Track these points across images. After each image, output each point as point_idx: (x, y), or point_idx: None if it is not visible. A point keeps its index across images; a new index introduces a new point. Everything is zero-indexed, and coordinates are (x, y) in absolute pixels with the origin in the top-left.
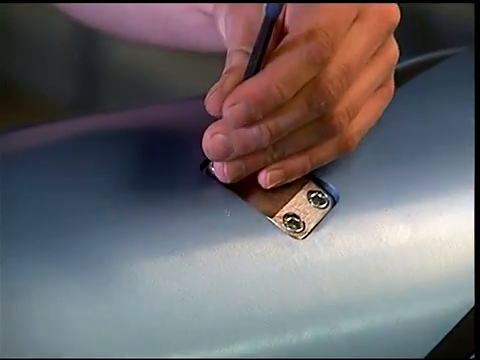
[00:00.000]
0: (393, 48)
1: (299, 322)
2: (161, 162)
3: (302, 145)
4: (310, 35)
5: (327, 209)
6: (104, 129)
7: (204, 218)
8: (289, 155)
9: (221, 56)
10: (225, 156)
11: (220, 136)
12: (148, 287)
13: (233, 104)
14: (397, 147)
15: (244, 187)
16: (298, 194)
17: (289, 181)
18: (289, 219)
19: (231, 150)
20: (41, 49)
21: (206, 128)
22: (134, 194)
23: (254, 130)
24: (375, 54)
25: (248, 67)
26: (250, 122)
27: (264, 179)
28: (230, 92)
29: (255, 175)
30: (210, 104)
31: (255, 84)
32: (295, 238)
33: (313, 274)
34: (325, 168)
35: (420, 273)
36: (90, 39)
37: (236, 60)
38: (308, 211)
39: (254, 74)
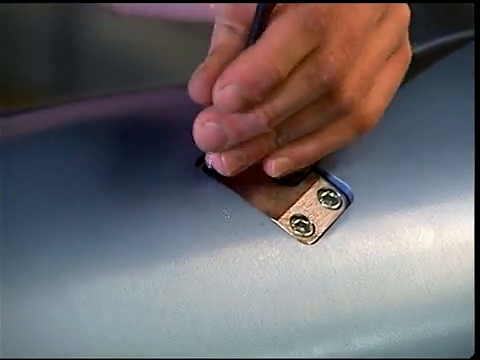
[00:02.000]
0: (403, 8)
1: (308, 337)
2: (152, 157)
3: (309, 127)
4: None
5: (340, 210)
6: (88, 120)
7: (200, 220)
8: (296, 139)
9: None
10: (219, 146)
11: (211, 124)
12: (138, 298)
13: (223, 86)
14: (418, 141)
15: (246, 185)
16: (307, 193)
17: (299, 168)
18: (297, 221)
19: (225, 139)
20: (21, 33)
21: None
22: (121, 193)
23: (249, 115)
24: (382, 17)
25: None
26: (245, 106)
27: (270, 167)
28: (216, 74)
29: (258, 171)
30: (194, 90)
31: (245, 62)
32: (304, 243)
33: (324, 283)
34: (338, 164)
35: (445, 282)
36: (72, 20)
37: (220, 38)
38: (318, 212)
39: None
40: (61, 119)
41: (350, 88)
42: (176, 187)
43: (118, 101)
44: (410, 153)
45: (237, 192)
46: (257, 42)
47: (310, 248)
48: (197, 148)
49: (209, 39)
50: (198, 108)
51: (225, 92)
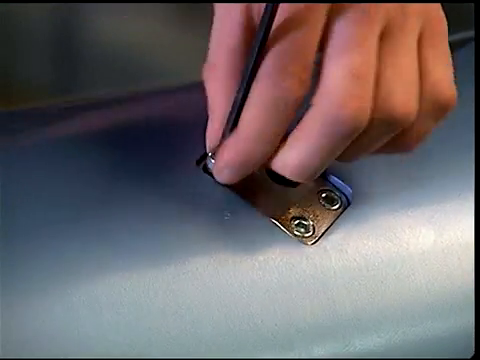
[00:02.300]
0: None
1: (308, 338)
2: (152, 157)
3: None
4: (271, 68)
5: (340, 210)
6: (88, 122)
7: (200, 221)
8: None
9: None
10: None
11: (226, 171)
12: (138, 299)
13: (220, 171)
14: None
15: (245, 186)
16: (307, 194)
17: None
18: (297, 222)
19: (243, 174)
20: (21, 33)
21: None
22: (121, 194)
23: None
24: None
25: (242, 79)
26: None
27: None
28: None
29: (257, 172)
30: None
31: (229, 150)
32: (304, 243)
33: (324, 284)
34: (337, 164)
35: (445, 283)
36: (72, 20)
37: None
38: (318, 213)
39: (248, 83)
40: (60, 121)
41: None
42: (175, 187)
43: (117, 103)
44: (411, 154)
45: (237, 192)
46: (237, 129)
47: (310, 249)
48: (197, 148)
49: (209, 39)
50: (198, 108)
51: (225, 175)
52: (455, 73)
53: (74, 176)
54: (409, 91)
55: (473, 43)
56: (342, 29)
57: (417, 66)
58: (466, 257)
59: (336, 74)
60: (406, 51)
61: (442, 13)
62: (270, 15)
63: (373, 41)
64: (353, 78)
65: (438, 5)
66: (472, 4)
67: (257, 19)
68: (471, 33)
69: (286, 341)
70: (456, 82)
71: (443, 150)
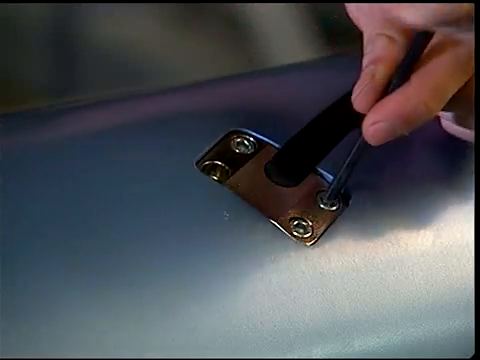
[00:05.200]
0: None
1: (308, 340)
2: (151, 157)
3: None
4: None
5: (339, 211)
6: (88, 122)
7: (199, 221)
8: None
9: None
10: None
11: (381, 125)
12: (136, 300)
13: (375, 123)
14: (417, 142)
15: (245, 186)
16: (306, 194)
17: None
18: (296, 223)
19: (395, 133)
20: (21, 33)
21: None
22: (120, 193)
23: (418, 107)
24: None
25: (395, 76)
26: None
27: None
28: (383, 86)
29: (257, 173)
30: (360, 102)
31: (397, 100)
32: (303, 244)
33: (323, 285)
34: (336, 165)
35: (445, 284)
36: (72, 20)
37: (381, 48)
38: (317, 214)
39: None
40: (60, 121)
41: None
42: (175, 188)
43: (117, 103)
44: (409, 154)
45: (236, 193)
46: (411, 79)
47: (309, 249)
48: (196, 148)
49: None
50: (197, 109)
51: (376, 129)
52: None
53: (74, 176)
54: None
55: None
56: None
57: None
58: (465, 258)
59: None
60: None
61: None
62: (419, 45)
63: None
64: None
65: None
66: None
67: None
68: None
69: (285, 342)
70: None
71: (442, 151)
